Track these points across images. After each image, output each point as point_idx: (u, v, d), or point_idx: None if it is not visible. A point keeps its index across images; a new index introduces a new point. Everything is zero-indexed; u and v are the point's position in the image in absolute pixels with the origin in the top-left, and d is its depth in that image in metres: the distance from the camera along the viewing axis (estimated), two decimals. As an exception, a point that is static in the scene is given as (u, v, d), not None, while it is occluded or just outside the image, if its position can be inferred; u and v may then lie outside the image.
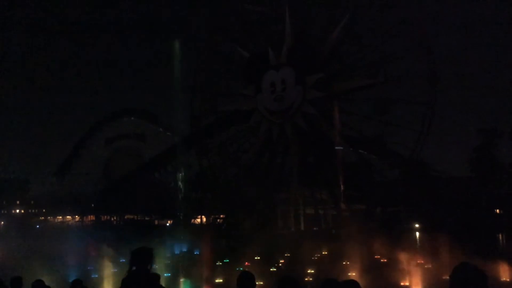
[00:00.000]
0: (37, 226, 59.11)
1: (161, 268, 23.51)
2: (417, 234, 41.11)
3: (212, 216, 58.80)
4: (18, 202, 69.06)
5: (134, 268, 6.05)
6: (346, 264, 22.79)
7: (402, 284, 18.46)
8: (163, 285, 6.26)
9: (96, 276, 17.04)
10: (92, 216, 69.40)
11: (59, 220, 73.02)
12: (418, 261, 21.78)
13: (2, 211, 66.41)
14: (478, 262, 4.39)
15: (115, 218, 66.99)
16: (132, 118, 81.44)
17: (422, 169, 43.77)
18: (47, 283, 8.16)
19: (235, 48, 50.58)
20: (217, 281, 19.57)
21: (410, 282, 18.28)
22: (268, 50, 47.01)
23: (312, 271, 21.41)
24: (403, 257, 21.51)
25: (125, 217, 66.85)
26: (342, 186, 45.85)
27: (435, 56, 43.42)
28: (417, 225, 45.46)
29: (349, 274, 19.82)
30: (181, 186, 65.10)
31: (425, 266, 21.65)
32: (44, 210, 67.88)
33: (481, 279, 4.03)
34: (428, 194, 41.62)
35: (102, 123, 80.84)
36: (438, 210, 38.70)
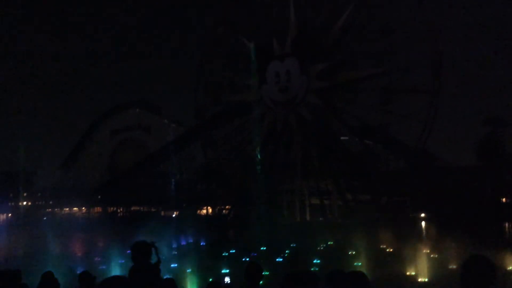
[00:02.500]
0: (44, 218, 59.47)
1: (167, 259, 23.68)
2: (423, 223, 41.11)
3: (218, 207, 59.05)
4: (25, 194, 69.45)
5: (133, 264, 6.08)
6: (352, 254, 22.84)
7: (408, 273, 18.48)
8: (170, 276, 6.33)
9: (104, 267, 17.16)
10: (98, 208, 69.79)
11: (65, 212, 73.47)
12: (424, 251, 21.78)
13: (9, 203, 66.82)
14: (484, 252, 4.40)
15: (121, 209, 67.34)
16: (137, 110, 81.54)
17: (428, 158, 43.68)
18: (55, 275, 8.22)
19: (239, 39, 50.42)
20: (223, 271, 19.65)
21: (416, 271, 18.29)
22: (273, 41, 46.87)
23: (318, 261, 21.45)
24: (409, 247, 21.52)
25: (131, 208, 67.17)
26: (347, 176, 45.87)
27: (440, 45, 43.21)
28: (422, 215, 45.49)
29: (355, 264, 19.87)
30: (186, 178, 65.36)
31: (431, 256, 21.66)
32: (51, 202, 68.26)
33: (491, 271, 4.05)
34: (434, 183, 41.59)
35: (107, 115, 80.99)
36: (443, 200, 38.68)
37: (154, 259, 6.58)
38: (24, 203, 70.44)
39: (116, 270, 16.94)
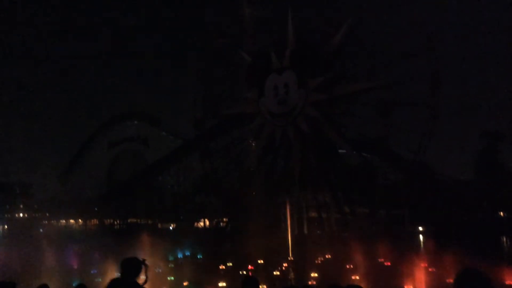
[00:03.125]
0: (41, 230, 59.17)
1: (164, 271, 23.55)
2: (421, 237, 41.02)
3: (215, 220, 58.86)
4: (21, 206, 69.17)
5: (118, 277, 6.03)
6: (350, 267, 22.73)
7: (405, 287, 18.40)
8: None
9: (100, 280, 17.04)
10: (95, 220, 69.49)
11: (62, 224, 73.10)
12: (422, 264, 21.70)
13: (6, 215, 66.49)
14: (482, 265, 4.39)
15: (118, 221, 67.04)
16: (135, 121, 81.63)
17: (426, 172, 43.72)
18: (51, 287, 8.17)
19: (237, 52, 50.64)
20: (220, 285, 19.52)
21: (414, 285, 18.21)
22: (271, 54, 47.09)
23: (316, 275, 21.34)
24: (406, 260, 21.45)
25: (128, 220, 66.90)
26: (345, 189, 45.81)
27: (438, 58, 43.47)
28: (420, 228, 45.42)
29: (352, 277, 19.77)
30: (184, 189, 65.23)
31: (429, 270, 21.57)
32: (47, 214, 67.95)
33: (485, 284, 4.03)
34: (432, 197, 41.59)
35: (105, 127, 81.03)
36: (441, 213, 38.66)
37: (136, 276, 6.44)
38: (21, 215, 70.13)
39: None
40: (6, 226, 64.72)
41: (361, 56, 47.65)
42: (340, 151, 47.44)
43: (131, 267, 5.94)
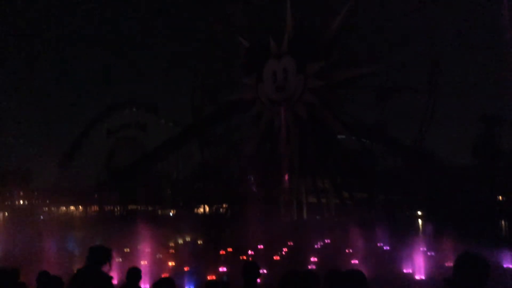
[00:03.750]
0: (41, 217, 59.40)
1: (165, 257, 23.72)
2: (420, 221, 41.27)
3: (215, 206, 59.08)
4: (21, 193, 69.36)
5: (86, 266, 6.01)
6: (349, 252, 22.89)
7: (405, 271, 18.54)
8: (168, 275, 6.31)
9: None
10: (95, 206, 69.75)
11: (62, 211, 73.38)
12: (421, 249, 21.87)
13: (6, 203, 66.69)
14: (481, 250, 4.42)
15: (118, 208, 67.26)
16: (134, 109, 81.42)
17: (425, 157, 43.83)
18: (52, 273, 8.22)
19: (236, 38, 50.39)
20: (221, 270, 19.67)
21: (413, 269, 18.35)
22: (269, 39, 46.87)
23: (315, 259, 21.49)
24: (406, 244, 21.61)
25: (128, 207, 67.13)
26: (344, 174, 45.96)
27: (436, 43, 43.35)
28: (419, 213, 45.67)
29: (352, 262, 19.93)
30: (183, 177, 65.38)
31: (428, 254, 21.74)
32: (47, 201, 68.15)
33: (484, 267, 4.06)
34: (430, 182, 41.73)
35: (103, 115, 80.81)
36: (440, 198, 38.84)
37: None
38: (21, 202, 70.36)
39: (113, 269, 16.93)
40: (6, 214, 64.94)
41: (360, 42, 47.52)
42: (339, 136, 47.54)
43: (99, 256, 5.88)
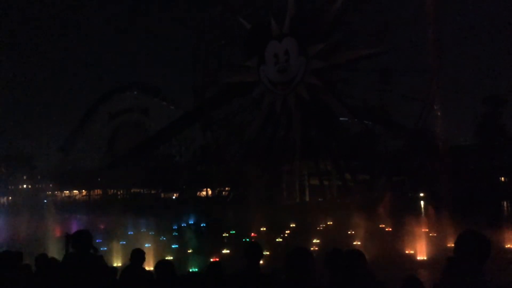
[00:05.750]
0: (45, 201, 59.75)
1: (168, 240, 23.88)
2: (422, 203, 41.36)
3: (218, 189, 59.27)
4: (25, 177, 69.70)
5: (71, 250, 6.07)
6: (351, 233, 22.99)
7: (407, 252, 18.65)
8: (173, 257, 6.37)
9: (105, 249, 17.32)
10: (98, 190, 70.09)
11: (66, 195, 73.77)
12: (423, 230, 21.96)
13: (10, 187, 67.07)
14: (483, 230, 4.43)
15: (121, 192, 67.60)
16: (135, 92, 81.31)
17: (427, 138, 43.75)
18: (56, 257, 8.28)
19: (237, 19, 49.97)
20: (224, 252, 19.81)
21: (415, 250, 18.45)
22: (271, 21, 46.49)
23: (318, 241, 21.61)
24: (407, 226, 21.69)
25: (132, 190, 67.46)
26: (346, 156, 45.95)
27: (439, 24, 42.93)
28: (421, 194, 45.74)
29: (354, 243, 20.04)
30: (185, 159, 65.48)
31: (430, 235, 21.83)
32: (50, 185, 68.49)
33: (485, 245, 4.07)
34: (433, 163, 41.74)
35: (105, 98, 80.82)
36: (442, 179, 38.84)
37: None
38: (24, 186, 70.72)
39: (117, 251, 17.08)
40: (10, 198, 65.35)
41: (361, 23, 47.08)
42: (341, 119, 47.42)
43: (84, 239, 5.92)
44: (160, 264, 6.16)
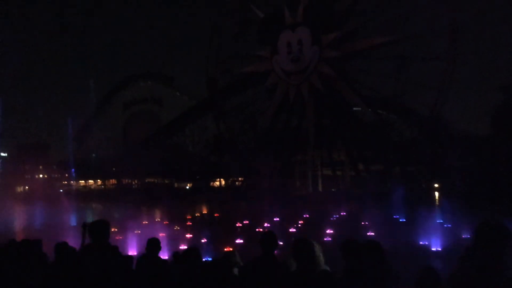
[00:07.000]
0: (61, 190, 60.47)
1: (182, 229, 24.05)
2: (436, 193, 41.05)
3: (231, 179, 59.46)
4: (40, 167, 70.50)
5: (88, 241, 6.06)
6: (365, 224, 22.92)
7: (421, 243, 18.55)
8: (187, 246, 6.42)
9: (121, 238, 17.51)
10: (113, 180, 70.73)
11: (81, 185, 74.58)
12: (437, 221, 21.81)
13: (26, 176, 67.90)
14: (499, 220, 4.37)
15: (135, 181, 68.14)
16: (149, 82, 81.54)
17: (442, 127, 43.29)
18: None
19: (250, 8, 49.75)
20: (237, 241, 19.91)
21: (429, 241, 18.34)
22: (284, 10, 46.21)
23: (331, 232, 21.60)
24: (421, 216, 21.55)
25: (146, 180, 67.96)
26: (360, 146, 45.74)
27: (456, 11, 42.27)
28: (436, 185, 45.35)
29: (368, 234, 19.98)
30: (199, 149, 65.71)
31: (444, 225, 21.68)
32: (66, 175, 69.29)
33: (504, 235, 4.01)
34: (448, 152, 41.31)
35: (119, 88, 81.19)
36: (457, 169, 38.48)
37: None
38: (40, 175, 71.56)
39: (132, 241, 17.24)
40: (27, 187, 66.19)
41: (375, 11, 46.56)
42: (354, 108, 47.13)
43: (102, 230, 5.90)
44: (189, 251, 6.18)
